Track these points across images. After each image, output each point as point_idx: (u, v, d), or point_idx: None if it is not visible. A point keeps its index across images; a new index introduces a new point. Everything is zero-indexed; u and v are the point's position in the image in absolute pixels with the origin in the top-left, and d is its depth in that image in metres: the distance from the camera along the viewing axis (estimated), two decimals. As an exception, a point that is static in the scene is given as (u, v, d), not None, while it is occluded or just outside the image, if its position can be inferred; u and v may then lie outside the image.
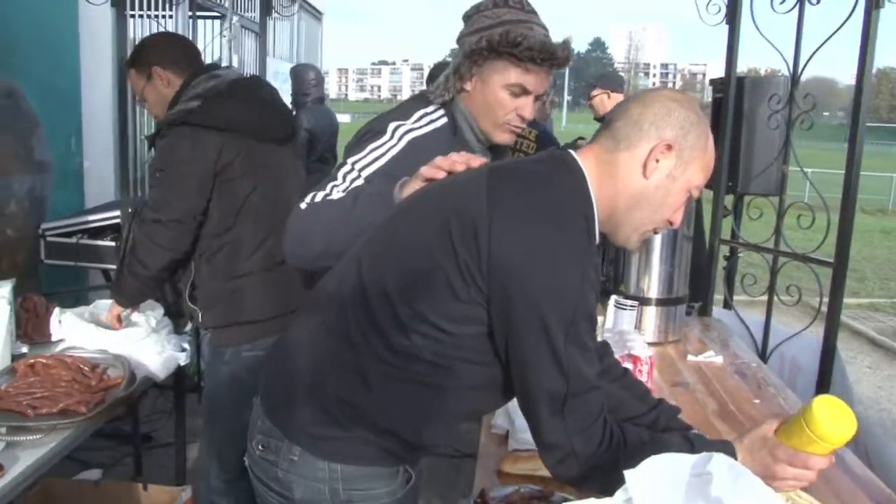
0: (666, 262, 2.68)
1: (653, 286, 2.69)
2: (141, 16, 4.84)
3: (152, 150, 2.47)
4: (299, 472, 1.36)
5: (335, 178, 1.70)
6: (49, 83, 4.06)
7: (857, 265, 10.73)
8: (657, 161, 1.30)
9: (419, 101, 1.85)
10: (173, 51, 2.43)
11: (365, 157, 1.71)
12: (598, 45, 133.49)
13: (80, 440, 1.97)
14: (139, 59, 2.43)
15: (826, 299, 2.60)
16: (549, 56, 1.70)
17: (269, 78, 6.02)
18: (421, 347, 1.27)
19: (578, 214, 1.26)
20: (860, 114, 2.51)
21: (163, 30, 4.77)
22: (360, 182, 1.68)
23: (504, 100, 1.73)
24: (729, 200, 3.40)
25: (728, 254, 3.56)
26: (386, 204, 1.53)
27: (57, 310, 2.52)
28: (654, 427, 1.49)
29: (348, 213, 1.57)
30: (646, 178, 1.31)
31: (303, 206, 1.66)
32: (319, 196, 1.66)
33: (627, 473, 1.06)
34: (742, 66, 3.31)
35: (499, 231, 1.20)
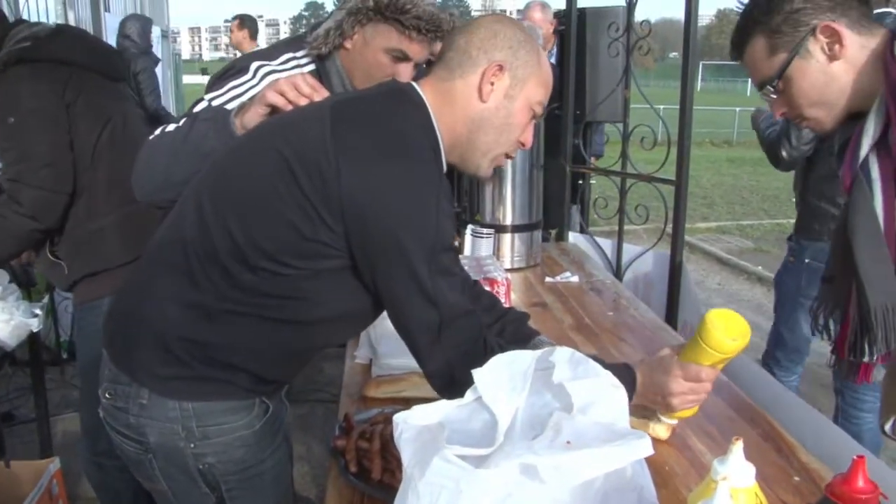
0: (520, 189, 2.76)
1: (507, 214, 2.77)
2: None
3: None
4: (150, 415, 1.31)
5: (190, 114, 1.65)
6: None
7: (706, 192, 11.37)
8: (492, 84, 1.32)
9: (291, 45, 1.81)
10: None
11: (223, 94, 1.67)
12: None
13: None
14: None
15: (671, 215, 2.76)
16: (434, 28, 1.68)
17: (108, 36, 5.73)
18: (271, 283, 1.24)
19: (425, 147, 1.27)
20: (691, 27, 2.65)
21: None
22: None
23: (384, 63, 1.71)
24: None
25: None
26: (221, 129, 1.50)
27: None
28: (501, 337, 1.51)
29: (184, 139, 1.54)
30: (483, 102, 1.33)
31: (151, 138, 1.62)
32: (169, 128, 1.61)
33: (475, 372, 1.09)
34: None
35: (347, 173, 1.18)
